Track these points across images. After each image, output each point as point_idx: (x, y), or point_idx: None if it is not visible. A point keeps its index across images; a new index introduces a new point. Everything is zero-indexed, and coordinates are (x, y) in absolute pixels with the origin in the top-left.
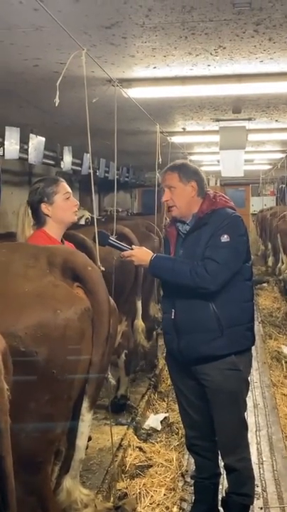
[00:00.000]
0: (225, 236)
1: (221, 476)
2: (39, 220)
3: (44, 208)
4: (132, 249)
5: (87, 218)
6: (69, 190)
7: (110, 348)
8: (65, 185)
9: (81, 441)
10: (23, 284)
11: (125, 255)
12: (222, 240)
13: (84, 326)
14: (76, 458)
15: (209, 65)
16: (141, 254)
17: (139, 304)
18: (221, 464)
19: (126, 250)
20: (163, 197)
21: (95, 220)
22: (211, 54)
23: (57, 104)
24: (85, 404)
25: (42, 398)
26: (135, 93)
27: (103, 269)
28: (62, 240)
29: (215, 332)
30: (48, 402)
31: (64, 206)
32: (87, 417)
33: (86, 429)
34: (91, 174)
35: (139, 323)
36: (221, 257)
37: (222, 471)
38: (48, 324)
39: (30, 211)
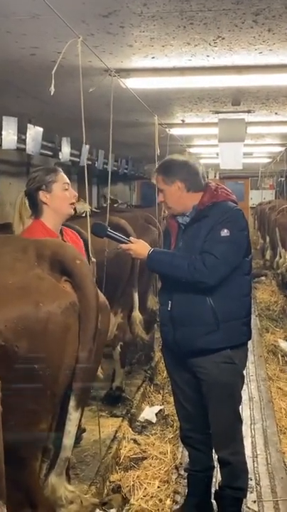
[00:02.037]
0: (225, 230)
1: (215, 469)
2: (36, 209)
3: (42, 195)
4: (130, 241)
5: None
6: (67, 181)
7: (100, 346)
8: (63, 176)
9: (67, 440)
10: (7, 277)
11: (123, 248)
12: (222, 234)
13: (68, 321)
14: (62, 456)
15: (208, 56)
16: (139, 248)
17: (136, 296)
18: (215, 457)
19: (124, 242)
20: (158, 198)
21: (87, 212)
22: (210, 44)
23: (52, 93)
24: (72, 403)
25: (24, 393)
26: (133, 83)
27: (94, 260)
28: (61, 231)
29: (211, 326)
30: (31, 397)
31: (62, 196)
32: (73, 415)
33: (73, 428)
34: (86, 166)
35: (136, 314)
36: (220, 251)
37: (216, 464)
38: (29, 317)
39: (27, 201)
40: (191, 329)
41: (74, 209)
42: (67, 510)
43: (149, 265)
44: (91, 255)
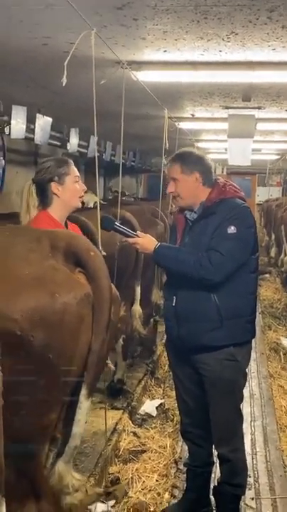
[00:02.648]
0: (232, 227)
1: (215, 465)
2: (45, 200)
3: (54, 187)
4: (137, 235)
5: (95, 202)
6: (78, 173)
7: (111, 336)
8: (75, 169)
9: (77, 429)
10: (23, 267)
11: (129, 242)
12: (229, 232)
13: (83, 312)
14: (71, 444)
15: (220, 51)
16: (146, 242)
17: (138, 290)
18: (215, 453)
19: (130, 236)
20: (168, 188)
21: (98, 204)
22: (223, 40)
23: (64, 84)
24: (83, 392)
25: (37, 382)
26: (144, 76)
27: (104, 253)
28: (66, 223)
29: (215, 323)
30: (43, 387)
31: (73, 189)
32: (84, 404)
33: (83, 417)
34: (96, 157)
35: (137, 308)
36: (226, 248)
37: (216, 460)
38: (45, 308)
39: (34, 190)
40: (195, 325)
41: (82, 201)
42: (73, 498)
43: (155, 260)
44: (101, 248)
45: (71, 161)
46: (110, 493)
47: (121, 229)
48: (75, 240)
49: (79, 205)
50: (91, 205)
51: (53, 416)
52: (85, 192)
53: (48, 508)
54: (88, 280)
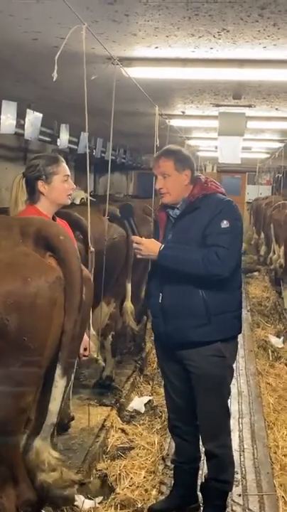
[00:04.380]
0: (225, 221)
1: (202, 462)
2: (32, 196)
3: (40, 185)
4: (141, 236)
5: (82, 198)
6: (68, 172)
7: (84, 317)
8: (65, 167)
9: (53, 406)
10: None
11: (135, 240)
12: (223, 226)
13: (55, 295)
14: (48, 422)
15: (211, 48)
16: (151, 245)
17: (129, 286)
18: (202, 449)
19: (135, 234)
20: (156, 184)
21: (87, 200)
22: (214, 37)
23: (54, 79)
24: (58, 371)
25: (13, 365)
26: (135, 73)
27: (93, 249)
28: (53, 217)
29: (203, 318)
30: (20, 370)
31: (61, 188)
32: (60, 383)
33: (58, 395)
34: (88, 154)
35: (128, 305)
36: (227, 242)
37: (202, 456)
38: (19, 292)
39: (24, 185)
40: (182, 321)
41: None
42: (48, 476)
43: (161, 261)
44: (90, 245)
45: (61, 160)
46: (84, 483)
47: (132, 223)
48: (45, 225)
49: (68, 202)
50: (77, 201)
51: (30, 398)
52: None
53: (27, 492)
54: (59, 264)
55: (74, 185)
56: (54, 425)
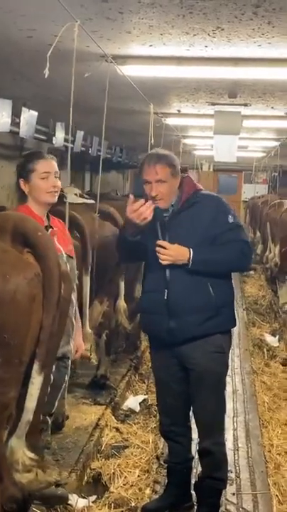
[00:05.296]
0: (230, 216)
1: (194, 461)
2: (22, 195)
3: (22, 184)
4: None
5: (76, 194)
6: (48, 169)
7: (63, 312)
8: (45, 164)
9: (30, 403)
10: None
11: (163, 244)
12: (231, 221)
13: (34, 291)
14: (23, 419)
15: (206, 46)
16: (179, 250)
17: (122, 285)
18: (195, 448)
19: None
20: (152, 191)
21: (84, 200)
22: (209, 35)
23: (46, 76)
24: (35, 367)
25: None
26: (130, 71)
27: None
28: (47, 216)
29: (211, 311)
30: (1, 367)
31: (40, 186)
32: (36, 379)
33: (35, 391)
34: (70, 150)
35: (121, 303)
36: (243, 235)
37: (195, 455)
38: None
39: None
40: (191, 316)
41: (62, 196)
42: (21, 477)
43: (193, 266)
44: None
45: (43, 156)
46: (60, 484)
47: (162, 228)
48: (22, 221)
49: (52, 200)
50: (69, 198)
51: (12, 394)
52: (70, 185)
53: (11, 488)
54: (37, 260)
55: (57, 183)
56: (29, 423)
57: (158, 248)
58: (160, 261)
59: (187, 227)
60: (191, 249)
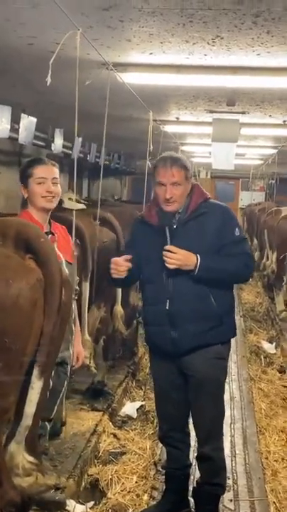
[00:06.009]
0: (236, 229)
1: (193, 467)
2: (23, 200)
3: (21, 189)
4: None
5: (70, 198)
6: (45, 175)
7: (64, 318)
8: (42, 169)
9: (29, 409)
10: None
11: (171, 249)
12: (236, 234)
13: (36, 297)
14: (22, 424)
15: (205, 55)
16: (188, 256)
17: (119, 290)
18: (192, 455)
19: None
20: (167, 193)
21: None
22: (208, 43)
23: (48, 84)
24: (35, 373)
25: None
26: (130, 78)
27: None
28: (49, 222)
29: (213, 321)
30: (1, 371)
31: (35, 191)
32: (36, 384)
33: (34, 397)
34: (76, 159)
35: (118, 309)
36: (247, 248)
37: (193, 462)
38: (1, 294)
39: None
40: (194, 326)
41: (61, 200)
42: (22, 481)
43: (199, 272)
44: (74, 249)
45: (42, 161)
46: (60, 488)
47: (171, 233)
48: (25, 227)
49: (49, 206)
50: (65, 201)
51: (12, 398)
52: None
53: (10, 492)
54: (38, 265)
55: (53, 189)
56: (28, 428)
57: (165, 252)
58: (167, 265)
59: (193, 237)
60: (199, 256)
